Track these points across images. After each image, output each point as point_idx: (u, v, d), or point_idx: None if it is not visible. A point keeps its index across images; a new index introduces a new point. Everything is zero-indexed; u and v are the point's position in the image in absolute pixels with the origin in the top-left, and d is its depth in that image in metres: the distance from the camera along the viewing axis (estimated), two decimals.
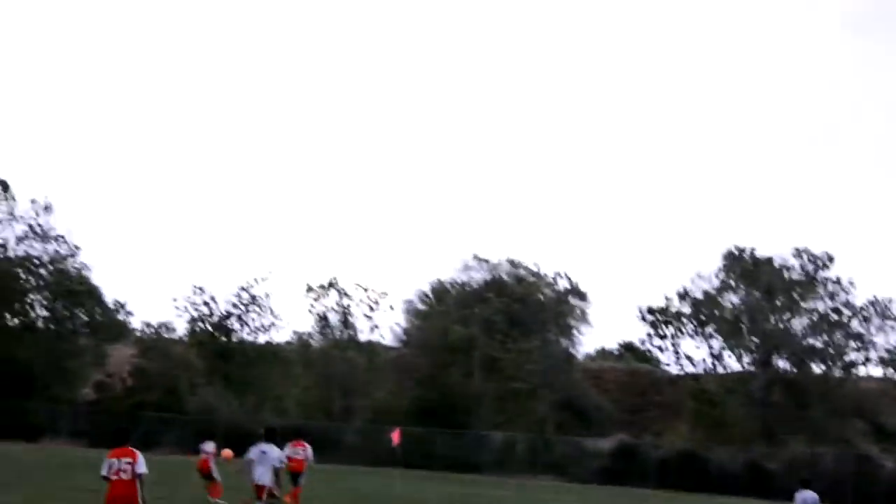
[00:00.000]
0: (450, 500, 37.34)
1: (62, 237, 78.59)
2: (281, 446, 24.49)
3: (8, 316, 77.10)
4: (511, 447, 70.59)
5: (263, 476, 23.18)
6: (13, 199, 78.16)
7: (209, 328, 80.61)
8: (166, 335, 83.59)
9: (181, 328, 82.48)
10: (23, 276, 77.22)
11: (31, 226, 78.08)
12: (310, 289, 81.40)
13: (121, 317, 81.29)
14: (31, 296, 77.98)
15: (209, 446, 32.37)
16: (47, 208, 78.20)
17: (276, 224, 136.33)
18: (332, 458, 68.11)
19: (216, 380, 77.38)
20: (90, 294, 78.34)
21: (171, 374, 78.44)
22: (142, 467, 15.89)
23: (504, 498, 42.25)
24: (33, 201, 78.16)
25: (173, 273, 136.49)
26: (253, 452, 23.30)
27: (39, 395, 73.20)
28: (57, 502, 22.74)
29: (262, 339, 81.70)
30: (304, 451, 30.20)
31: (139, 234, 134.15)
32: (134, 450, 15.97)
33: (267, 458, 23.26)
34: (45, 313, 78.47)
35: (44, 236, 78.10)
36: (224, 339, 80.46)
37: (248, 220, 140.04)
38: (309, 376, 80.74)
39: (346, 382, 78.77)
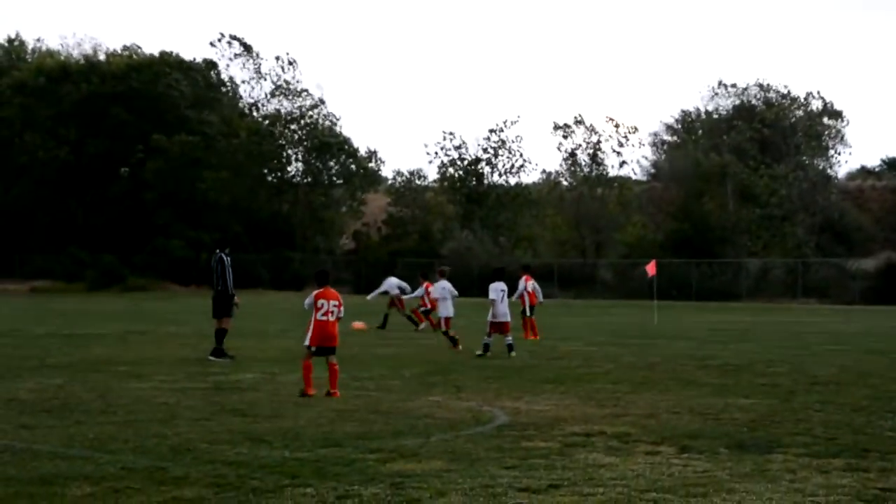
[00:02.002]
0: (708, 327, 36.87)
1: (307, 91, 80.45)
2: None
3: (266, 172, 79.80)
4: (769, 273, 69.19)
5: (507, 314, 23.41)
6: (259, 57, 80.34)
7: (460, 173, 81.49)
8: (418, 182, 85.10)
9: (432, 174, 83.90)
10: (276, 132, 79.50)
11: (276, 83, 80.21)
12: (556, 127, 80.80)
13: (373, 165, 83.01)
14: (286, 151, 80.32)
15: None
16: (291, 63, 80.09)
17: (523, 63, 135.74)
18: (587, 293, 68.53)
19: (469, 223, 78.39)
20: (341, 145, 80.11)
21: (425, 220, 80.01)
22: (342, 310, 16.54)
23: (765, 322, 41.46)
24: (277, 58, 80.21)
25: (422, 119, 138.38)
26: (494, 293, 23.39)
27: (302, 246, 75.98)
28: None
29: (512, 181, 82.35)
30: (533, 284, 30.24)
31: (384, 81, 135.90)
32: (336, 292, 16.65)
33: (505, 296, 23.44)
34: (300, 167, 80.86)
35: (291, 92, 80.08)
36: (475, 182, 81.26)
37: (494, 60, 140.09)
38: (560, 215, 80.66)
39: (598, 219, 78.46)
